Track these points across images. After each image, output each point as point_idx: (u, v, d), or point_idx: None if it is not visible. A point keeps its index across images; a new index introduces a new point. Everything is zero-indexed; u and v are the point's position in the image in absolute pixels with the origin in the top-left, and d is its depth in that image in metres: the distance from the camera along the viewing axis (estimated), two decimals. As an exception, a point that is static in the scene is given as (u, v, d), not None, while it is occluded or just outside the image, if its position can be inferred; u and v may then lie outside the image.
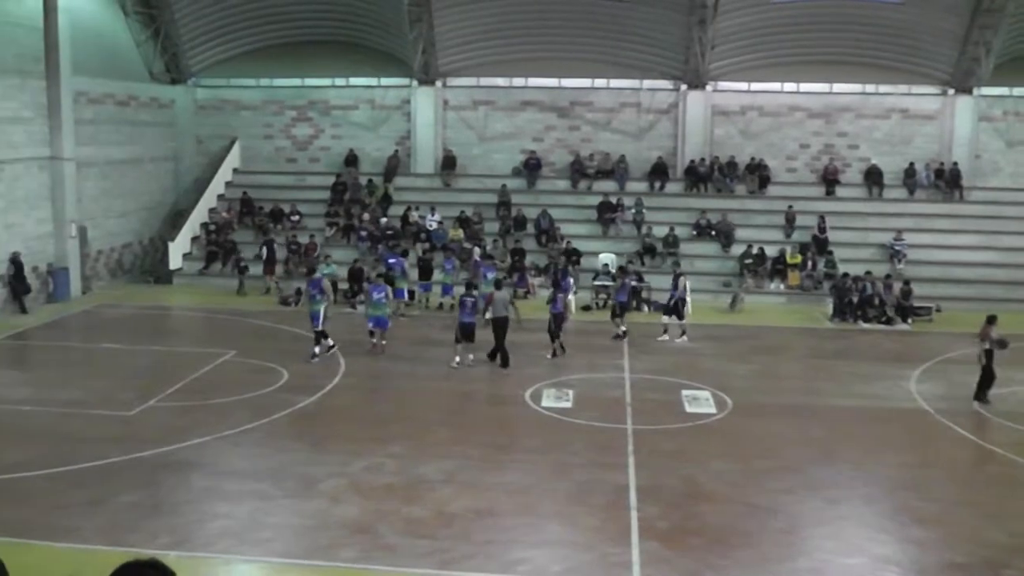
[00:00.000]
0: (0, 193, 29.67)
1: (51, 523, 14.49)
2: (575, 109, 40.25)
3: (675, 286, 28.83)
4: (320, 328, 24.73)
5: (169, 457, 17.56)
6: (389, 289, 26.18)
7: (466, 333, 24.37)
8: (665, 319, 28.55)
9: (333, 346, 25.10)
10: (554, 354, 25.63)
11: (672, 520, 14.93)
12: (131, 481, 16.31)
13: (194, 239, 38.11)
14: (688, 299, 29.13)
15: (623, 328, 28.08)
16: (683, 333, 28.07)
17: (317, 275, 25.70)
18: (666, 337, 28.02)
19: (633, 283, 30.73)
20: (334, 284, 32.78)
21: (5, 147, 29.85)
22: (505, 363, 24.49)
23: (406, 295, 31.36)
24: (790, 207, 36.94)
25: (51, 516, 14.78)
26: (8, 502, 15.37)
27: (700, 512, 15.31)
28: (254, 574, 13.36)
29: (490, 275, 29.92)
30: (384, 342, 25.54)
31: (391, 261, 32.01)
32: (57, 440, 18.46)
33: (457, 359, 24.45)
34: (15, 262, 30.04)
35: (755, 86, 39.40)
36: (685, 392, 22.24)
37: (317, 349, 24.67)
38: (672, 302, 28.66)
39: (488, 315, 25.17)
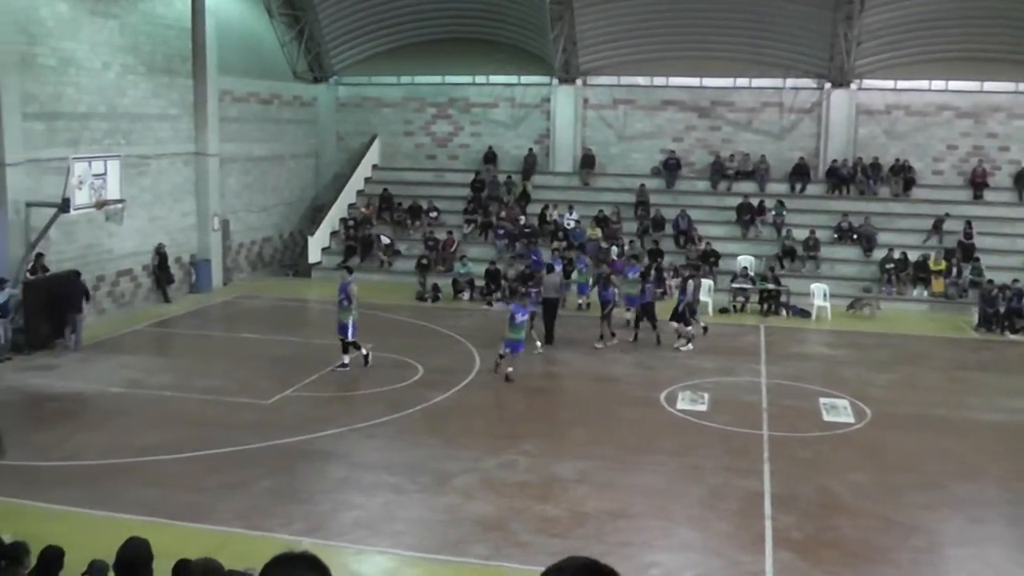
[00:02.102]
0: (146, 187, 30.57)
1: (189, 504, 14.91)
2: (716, 109, 39.64)
3: (683, 290, 27.14)
4: (352, 339, 23.17)
5: (305, 446, 17.89)
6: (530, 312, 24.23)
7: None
8: (674, 325, 26.57)
9: (367, 354, 23.53)
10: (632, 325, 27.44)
11: (807, 531, 14.58)
12: (268, 468, 16.67)
13: (333, 234, 38.72)
14: (699, 303, 28.43)
15: (694, 328, 27.06)
16: (688, 341, 26.44)
17: (347, 279, 23.64)
18: (685, 345, 26.40)
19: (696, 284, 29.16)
20: (471, 282, 33.03)
21: (153, 143, 30.78)
22: (549, 339, 26.37)
23: None
24: (946, 215, 35.33)
25: (189, 497, 15.21)
26: (148, 483, 15.87)
27: (836, 524, 14.89)
28: (386, 565, 13.48)
29: (632, 275, 29.36)
30: (511, 368, 22.85)
31: (535, 258, 31.97)
32: (196, 425, 19.00)
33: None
34: (160, 253, 31.04)
35: (901, 84, 38.07)
36: (823, 400, 21.66)
37: (347, 359, 23.26)
38: (680, 307, 26.65)
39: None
